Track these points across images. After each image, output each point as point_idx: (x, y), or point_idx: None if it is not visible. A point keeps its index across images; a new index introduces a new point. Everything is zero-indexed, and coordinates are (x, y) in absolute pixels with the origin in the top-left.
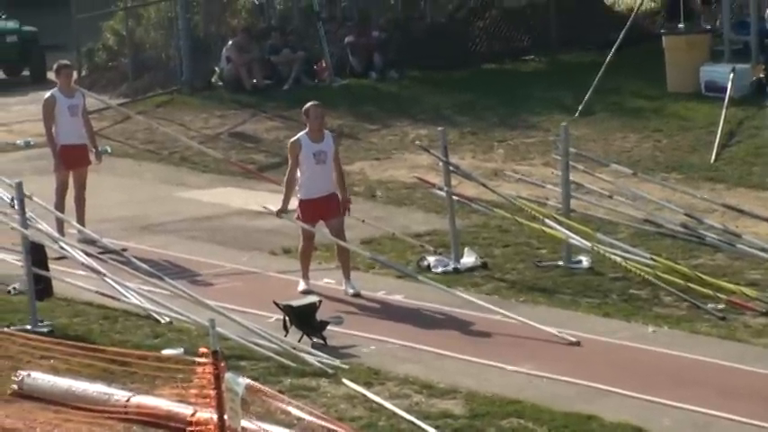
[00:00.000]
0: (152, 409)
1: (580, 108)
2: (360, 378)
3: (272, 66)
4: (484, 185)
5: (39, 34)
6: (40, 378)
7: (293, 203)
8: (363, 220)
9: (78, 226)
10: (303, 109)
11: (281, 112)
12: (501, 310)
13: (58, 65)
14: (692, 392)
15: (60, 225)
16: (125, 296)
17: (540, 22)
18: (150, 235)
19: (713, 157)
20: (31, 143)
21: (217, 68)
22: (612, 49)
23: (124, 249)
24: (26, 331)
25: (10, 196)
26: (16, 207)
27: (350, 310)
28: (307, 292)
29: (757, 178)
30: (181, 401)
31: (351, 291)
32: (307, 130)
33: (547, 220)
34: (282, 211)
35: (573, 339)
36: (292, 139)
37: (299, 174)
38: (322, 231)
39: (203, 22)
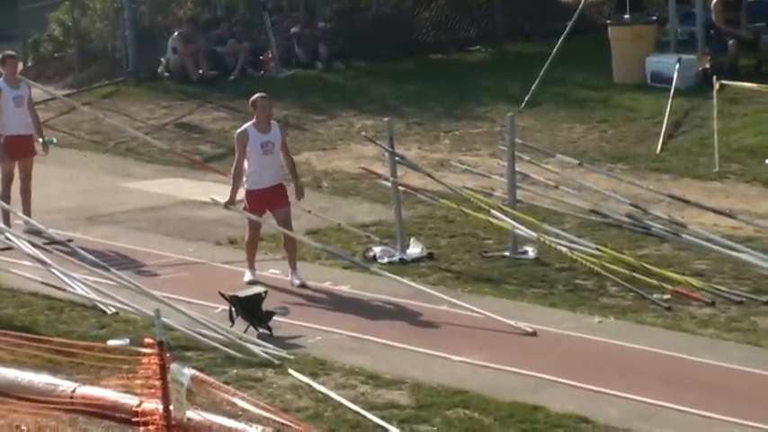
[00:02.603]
0: (98, 400)
1: (526, 99)
2: (305, 369)
3: (218, 56)
4: (430, 176)
5: None
6: None
7: (240, 194)
8: (309, 211)
9: (24, 216)
10: (250, 100)
11: (227, 102)
12: (461, 303)
13: (2, 55)
14: (638, 382)
15: (6, 215)
16: (71, 287)
17: (486, 13)
18: (96, 226)
19: (659, 147)
20: None
21: (163, 59)
22: (560, 40)
23: (70, 240)
24: None
25: None
26: None
27: (296, 301)
28: (253, 283)
29: (703, 169)
30: (126, 392)
31: (297, 281)
32: (254, 120)
33: (493, 211)
34: (231, 203)
35: (529, 330)
36: (239, 130)
37: (246, 164)
38: (269, 222)
39: (149, 13)
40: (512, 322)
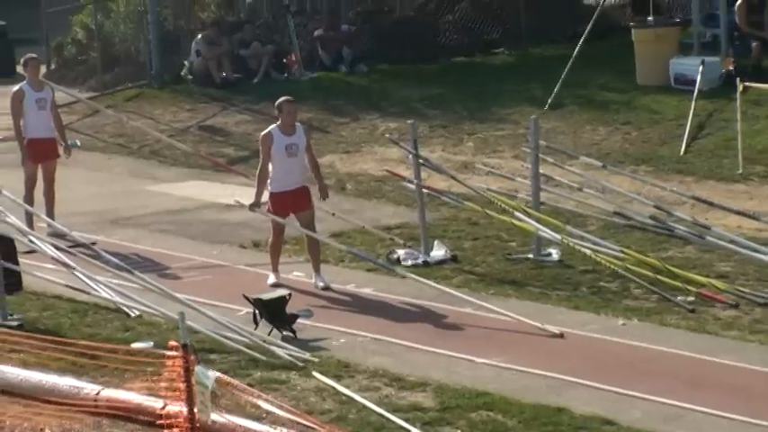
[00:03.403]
0: (122, 403)
1: (550, 101)
2: (329, 371)
3: (242, 59)
4: (454, 178)
5: (8, 28)
6: (10, 372)
7: (265, 197)
8: (333, 214)
9: (48, 219)
10: (276, 104)
11: (251, 105)
12: (486, 305)
13: (25, 58)
14: (661, 384)
15: (30, 219)
16: (95, 290)
17: (509, 15)
18: (120, 228)
19: (683, 149)
20: (0, 137)
21: (186, 62)
22: (580, 42)
23: (94, 243)
24: None
25: None
26: None
27: (320, 304)
28: (276, 286)
29: (726, 171)
30: (151, 395)
31: (320, 284)
32: (279, 123)
33: (517, 213)
34: (255, 205)
35: (556, 332)
36: (264, 132)
37: (270, 167)
38: (293, 224)
39: (173, 16)
40: (539, 324)
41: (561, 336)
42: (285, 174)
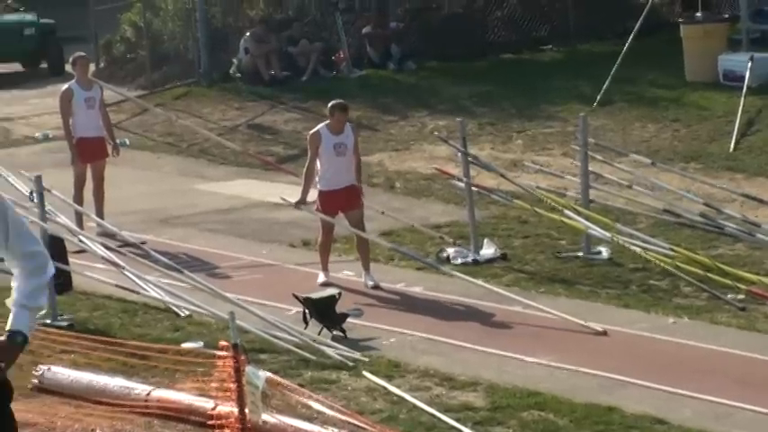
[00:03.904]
0: (173, 403)
1: (598, 98)
2: (380, 371)
3: (290, 57)
4: (503, 176)
5: (56, 26)
6: (61, 372)
7: (312, 195)
8: (383, 212)
9: (97, 219)
10: (329, 106)
11: (299, 103)
12: (533, 303)
13: (74, 57)
14: (712, 383)
15: (79, 218)
16: (144, 289)
17: (558, 12)
18: (169, 228)
19: (732, 146)
20: (50, 136)
21: (235, 60)
22: (629, 39)
23: (143, 242)
24: (46, 325)
25: (29, 189)
26: (35, 200)
27: (369, 303)
28: (326, 285)
29: None
30: (201, 395)
31: (370, 283)
32: (328, 122)
33: (566, 211)
34: (301, 203)
35: (600, 329)
36: (312, 131)
37: (318, 165)
38: (341, 223)
39: (221, 14)
40: (582, 321)
41: (605, 333)
42: (334, 173)
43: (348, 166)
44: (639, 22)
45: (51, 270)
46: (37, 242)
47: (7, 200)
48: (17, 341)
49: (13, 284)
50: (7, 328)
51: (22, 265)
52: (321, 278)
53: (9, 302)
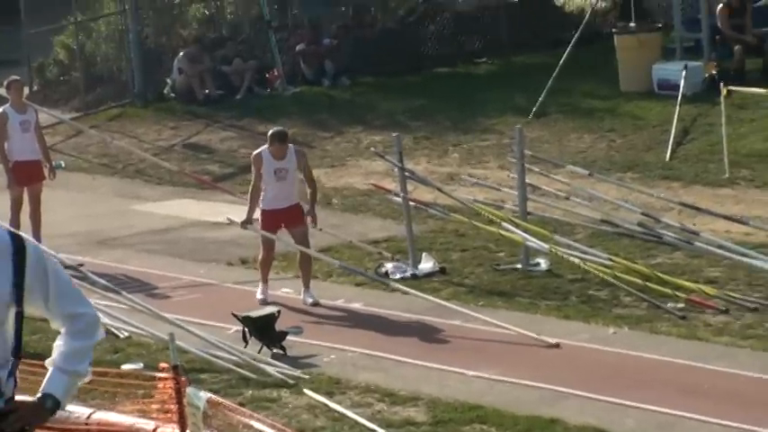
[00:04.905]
0: (113, 426)
1: (534, 110)
2: (321, 388)
3: (224, 76)
4: (440, 190)
5: None
6: None
7: (258, 213)
8: (320, 229)
9: (34, 242)
10: (268, 134)
11: (235, 122)
12: (479, 316)
13: (8, 81)
14: (654, 393)
15: None
16: None
17: (491, 25)
18: (106, 249)
19: (668, 155)
20: None
21: (169, 80)
22: (567, 49)
23: (81, 264)
24: None
25: None
26: None
27: (309, 320)
28: (265, 302)
29: (713, 175)
30: (142, 417)
31: (310, 300)
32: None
33: (504, 224)
34: (248, 222)
35: (552, 342)
36: (255, 153)
37: (262, 185)
38: (284, 240)
39: (154, 34)
40: (535, 335)
41: (557, 346)
42: (275, 195)
43: (289, 188)
44: (578, 32)
45: (101, 334)
46: (83, 302)
47: (48, 255)
48: (47, 405)
49: (56, 343)
50: (41, 390)
51: (66, 327)
52: (260, 294)
53: (48, 362)
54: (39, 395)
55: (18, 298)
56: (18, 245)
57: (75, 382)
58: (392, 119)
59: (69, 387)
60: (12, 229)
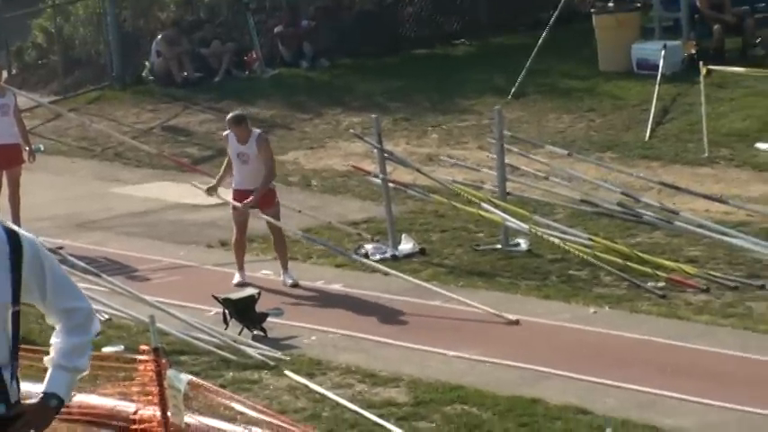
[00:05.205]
0: (94, 408)
1: (513, 90)
2: (302, 369)
3: (202, 58)
4: (419, 171)
5: None
6: None
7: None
8: (299, 210)
9: (13, 226)
10: (226, 119)
11: (213, 104)
12: (454, 296)
13: None
14: (635, 372)
15: None
16: None
17: (469, 6)
18: (86, 232)
19: (647, 134)
20: None
21: (147, 63)
22: (546, 30)
23: (60, 248)
24: None
25: None
26: None
27: (289, 301)
28: (242, 285)
29: (692, 155)
30: (123, 399)
31: (289, 281)
32: None
33: (483, 204)
34: (213, 189)
35: (511, 318)
36: (225, 132)
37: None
38: (257, 217)
39: (132, 17)
40: (495, 311)
41: (517, 323)
42: (241, 178)
43: (253, 172)
44: (556, 12)
45: (96, 328)
46: (79, 296)
47: (46, 250)
48: (51, 404)
49: (53, 341)
50: (42, 389)
51: (63, 322)
52: (236, 278)
53: (47, 360)
54: (41, 395)
55: (15, 296)
56: (15, 244)
57: (76, 378)
58: (371, 100)
59: (71, 383)
60: (8, 225)
